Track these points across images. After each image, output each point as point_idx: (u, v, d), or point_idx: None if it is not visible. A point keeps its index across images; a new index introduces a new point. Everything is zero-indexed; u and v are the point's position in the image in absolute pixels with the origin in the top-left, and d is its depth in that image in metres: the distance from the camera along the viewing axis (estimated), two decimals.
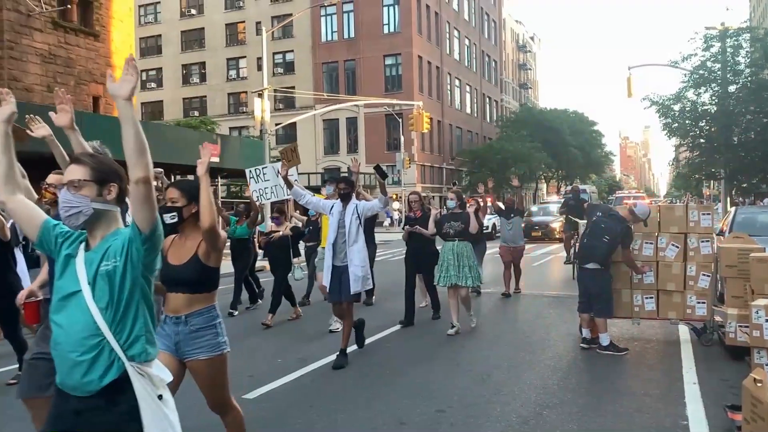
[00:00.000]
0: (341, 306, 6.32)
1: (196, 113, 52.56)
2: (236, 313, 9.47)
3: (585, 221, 7.83)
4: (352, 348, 6.74)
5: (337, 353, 6.32)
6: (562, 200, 17.68)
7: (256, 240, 10.43)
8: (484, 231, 19.68)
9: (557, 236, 24.71)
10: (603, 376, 5.81)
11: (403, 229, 9.03)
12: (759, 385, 3.88)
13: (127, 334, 2.26)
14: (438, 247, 8.30)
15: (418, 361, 6.47)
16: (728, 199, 29.11)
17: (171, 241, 3.48)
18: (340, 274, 6.20)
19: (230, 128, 48.96)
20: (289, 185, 6.63)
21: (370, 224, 10.01)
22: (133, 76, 2.24)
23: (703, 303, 6.89)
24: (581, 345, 6.81)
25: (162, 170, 7.70)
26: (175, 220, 3.34)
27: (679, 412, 4.73)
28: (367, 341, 7.39)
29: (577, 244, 8.55)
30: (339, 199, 6.39)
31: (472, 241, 10.68)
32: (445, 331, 7.73)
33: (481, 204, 10.73)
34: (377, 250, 11.45)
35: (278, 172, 8.70)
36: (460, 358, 6.66)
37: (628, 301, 7.08)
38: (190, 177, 34.55)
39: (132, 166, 2.21)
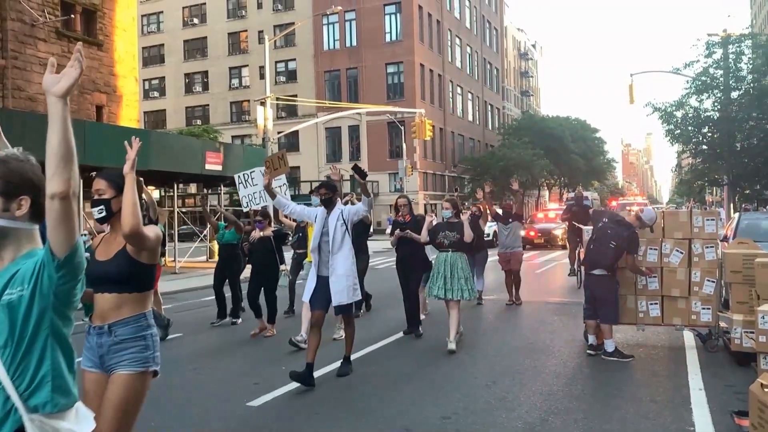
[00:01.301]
0: (321, 314, 5.90)
1: (199, 122, 52.76)
2: (239, 321, 9.43)
3: (588, 227, 7.83)
4: (355, 356, 6.74)
5: (341, 360, 6.28)
6: (564, 207, 17.53)
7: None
8: (486, 238, 19.51)
9: (560, 243, 24.70)
10: (608, 383, 5.78)
11: (391, 234, 8.60)
12: (766, 390, 3.87)
13: (30, 378, 1.86)
14: (432, 258, 8.02)
15: (422, 368, 6.45)
16: (731, 205, 29.07)
17: (101, 239, 3.13)
18: (324, 283, 5.88)
19: (233, 136, 49.11)
20: (272, 195, 6.28)
21: (361, 235, 9.58)
22: (76, 71, 1.90)
23: (708, 309, 6.87)
24: (588, 352, 6.79)
25: (142, 179, 7.64)
26: (103, 214, 2.99)
27: (686, 418, 4.71)
28: (371, 349, 7.39)
29: (581, 251, 8.53)
30: (322, 206, 6.06)
31: (473, 251, 10.31)
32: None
33: (482, 210, 10.57)
34: (372, 259, 11.20)
35: (268, 181, 8.51)
36: (464, 365, 6.64)
37: (633, 307, 7.06)
38: (193, 185, 34.70)
39: (50, 177, 1.82)
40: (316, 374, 6.17)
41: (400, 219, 8.50)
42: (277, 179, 10.97)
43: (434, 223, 7.78)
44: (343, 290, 5.80)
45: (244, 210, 11.70)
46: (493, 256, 12.10)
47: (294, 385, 5.79)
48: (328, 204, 5.98)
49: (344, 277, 5.81)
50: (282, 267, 8.55)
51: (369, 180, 45.75)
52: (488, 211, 10.70)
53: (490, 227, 20.14)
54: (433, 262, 7.86)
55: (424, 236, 7.67)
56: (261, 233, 8.52)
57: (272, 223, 8.89)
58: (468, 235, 7.30)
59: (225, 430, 4.74)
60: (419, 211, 8.37)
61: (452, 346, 7.07)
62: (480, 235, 10.45)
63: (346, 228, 5.90)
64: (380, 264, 18.73)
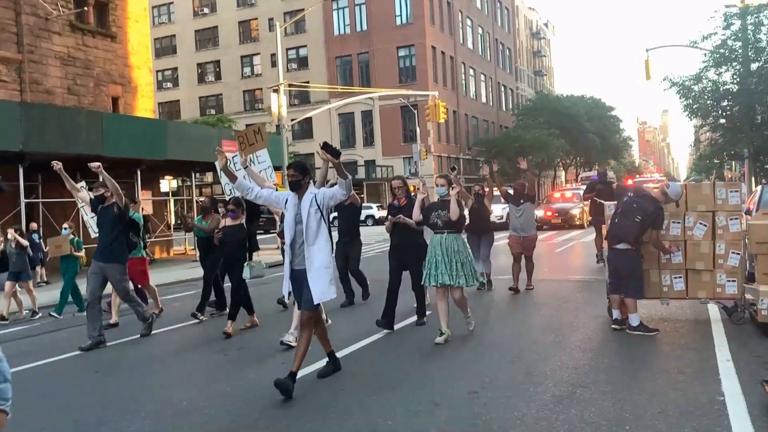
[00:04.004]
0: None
1: (213, 111, 53.00)
2: (203, 317, 8.79)
3: (610, 203, 7.76)
4: (376, 336, 6.77)
5: (287, 375, 5.05)
6: (585, 185, 17.15)
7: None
8: (500, 221, 19.05)
9: (577, 223, 24.55)
10: (635, 356, 5.77)
11: (386, 219, 7.86)
12: None
13: None
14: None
15: (447, 344, 6.46)
16: (753, 179, 28.65)
17: None
18: (300, 279, 5.16)
19: (246, 125, 48.97)
20: (232, 178, 5.60)
21: (353, 220, 9.29)
22: None
23: (734, 281, 6.80)
24: (612, 326, 6.77)
25: (100, 164, 7.18)
26: None
27: (715, 389, 4.69)
28: (397, 326, 7.34)
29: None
30: (291, 190, 5.29)
31: (479, 234, 9.89)
32: (474, 313, 7.66)
33: (486, 190, 9.97)
34: (384, 245, 10.74)
35: (244, 158, 7.78)
36: (488, 340, 6.66)
37: (657, 281, 7.00)
38: (209, 174, 34.86)
39: None
40: (340, 354, 6.20)
41: (396, 203, 7.75)
42: (260, 162, 10.29)
43: (426, 200, 7.05)
44: (324, 285, 5.10)
45: (227, 198, 11.31)
46: (503, 240, 11.06)
47: (319, 364, 5.83)
48: (297, 188, 5.22)
49: (324, 269, 5.11)
50: (251, 261, 7.88)
51: (383, 165, 44.96)
52: (498, 191, 10.07)
53: (503, 209, 19.69)
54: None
55: (416, 215, 6.88)
56: (232, 222, 8.03)
57: (244, 212, 8.23)
58: (453, 212, 6.48)
59: (256, 406, 4.81)
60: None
61: (471, 325, 6.90)
62: (486, 216, 9.99)
63: (321, 214, 5.17)
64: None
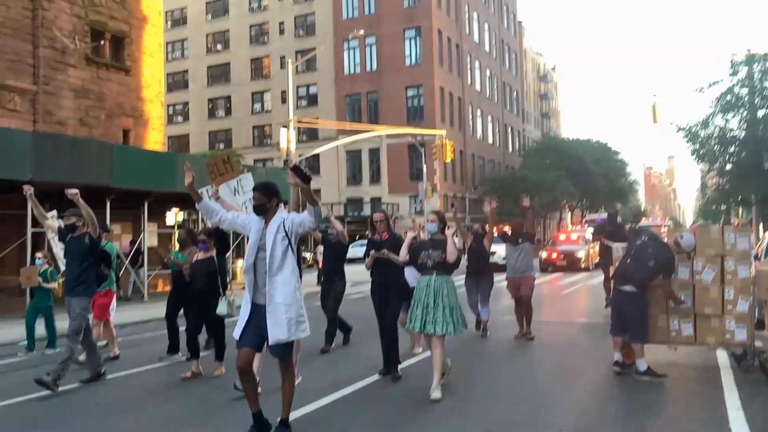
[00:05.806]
0: (249, 354, 4.67)
1: (222, 146, 53.49)
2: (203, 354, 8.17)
3: (618, 245, 7.71)
4: (367, 381, 6.68)
5: (277, 424, 4.75)
6: (593, 227, 16.92)
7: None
8: (502, 262, 18.70)
9: (582, 266, 24.38)
10: (642, 401, 5.66)
11: (366, 256, 7.22)
12: None
13: None
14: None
15: (453, 386, 6.35)
16: (761, 225, 28.57)
17: None
18: (259, 314, 4.61)
19: (255, 160, 49.59)
20: (197, 198, 5.20)
21: (339, 258, 8.80)
22: None
23: (743, 327, 6.70)
24: (614, 369, 6.65)
25: (77, 191, 6.71)
26: None
27: None
28: (403, 366, 7.16)
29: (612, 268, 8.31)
30: (256, 214, 4.83)
31: (477, 275, 9.45)
32: (478, 357, 7.59)
33: (486, 230, 9.59)
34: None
35: (215, 189, 7.45)
36: (493, 384, 6.56)
37: (665, 326, 6.91)
38: None
39: None
40: (345, 392, 6.14)
41: (377, 237, 7.20)
42: (245, 192, 10.02)
43: (416, 239, 6.50)
44: (282, 324, 4.52)
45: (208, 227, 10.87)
46: (501, 282, 10.26)
47: (322, 402, 5.76)
48: (263, 212, 4.73)
49: (284, 306, 4.54)
50: (224, 296, 7.22)
51: (389, 202, 44.98)
52: (495, 231, 9.58)
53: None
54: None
55: (403, 255, 6.31)
56: (203, 254, 7.46)
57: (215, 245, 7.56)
58: (451, 252, 5.96)
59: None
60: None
61: (436, 394, 5.75)
62: (485, 257, 9.54)
63: (289, 242, 4.63)
64: None
